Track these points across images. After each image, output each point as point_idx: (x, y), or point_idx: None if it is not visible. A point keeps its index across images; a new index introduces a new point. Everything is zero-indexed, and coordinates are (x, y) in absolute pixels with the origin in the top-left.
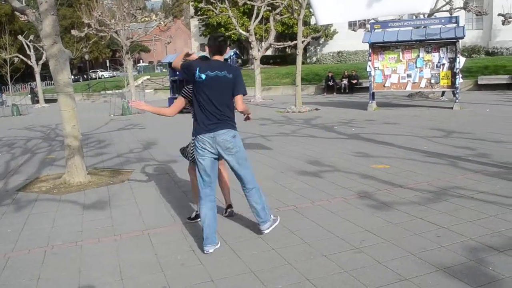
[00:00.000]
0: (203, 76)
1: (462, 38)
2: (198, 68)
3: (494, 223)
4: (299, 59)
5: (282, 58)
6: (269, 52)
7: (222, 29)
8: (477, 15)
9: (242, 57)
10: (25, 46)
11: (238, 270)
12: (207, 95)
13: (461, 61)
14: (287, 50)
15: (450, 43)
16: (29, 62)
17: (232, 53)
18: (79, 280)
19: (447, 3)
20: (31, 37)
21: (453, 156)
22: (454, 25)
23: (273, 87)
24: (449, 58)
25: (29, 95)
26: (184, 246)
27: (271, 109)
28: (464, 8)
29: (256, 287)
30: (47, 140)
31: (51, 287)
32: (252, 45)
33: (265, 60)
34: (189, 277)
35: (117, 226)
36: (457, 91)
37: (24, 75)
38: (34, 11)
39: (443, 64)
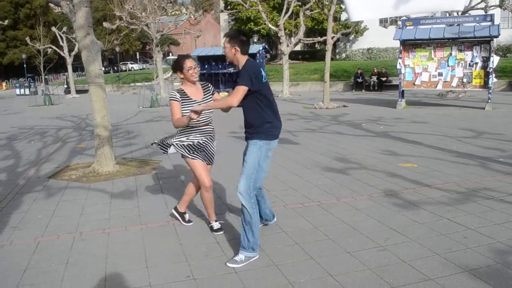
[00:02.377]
0: (265, 77)
1: (497, 37)
2: (261, 69)
3: None
4: (328, 55)
5: (311, 54)
6: (298, 48)
7: (252, 23)
8: None
9: (271, 52)
10: (58, 37)
11: (261, 263)
12: (269, 97)
13: (495, 60)
14: (316, 45)
15: (484, 42)
16: (61, 53)
17: (261, 48)
18: (106, 266)
19: (482, 1)
20: (64, 28)
21: (483, 157)
22: (489, 23)
23: (301, 82)
24: (482, 57)
25: (65, 86)
26: (209, 238)
27: (299, 104)
28: (500, 6)
29: (279, 280)
30: (78, 130)
31: (79, 272)
32: (281, 40)
33: (294, 56)
34: (212, 268)
35: (144, 216)
36: (490, 91)
37: (56, 65)
38: (68, 3)
39: (476, 63)
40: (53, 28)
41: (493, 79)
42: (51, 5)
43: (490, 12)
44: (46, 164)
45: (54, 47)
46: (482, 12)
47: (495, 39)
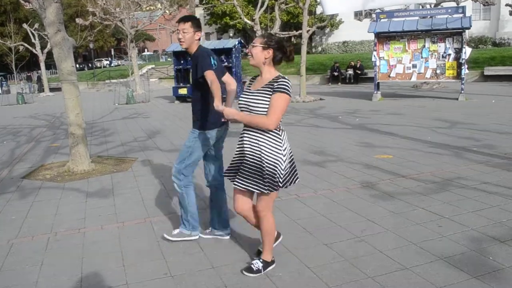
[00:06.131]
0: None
1: (468, 28)
2: (211, 56)
3: (496, 213)
4: (304, 48)
5: None
6: None
7: (227, 18)
8: (484, 5)
9: (247, 46)
10: (30, 34)
11: (238, 257)
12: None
13: (467, 51)
14: (292, 39)
15: (456, 34)
16: (34, 50)
17: (237, 42)
18: (82, 267)
19: None
20: (36, 25)
21: (457, 147)
22: (461, 15)
23: None
24: (455, 49)
25: (36, 84)
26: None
27: None
28: None
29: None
30: (52, 129)
31: (54, 273)
32: (257, 34)
33: None
34: (190, 264)
35: (120, 214)
36: (463, 82)
37: (29, 63)
38: None
39: (449, 55)
40: (25, 25)
41: (465, 70)
42: (22, 1)
43: (462, 4)
44: (19, 164)
45: (26, 44)
46: (454, 4)
47: (467, 31)
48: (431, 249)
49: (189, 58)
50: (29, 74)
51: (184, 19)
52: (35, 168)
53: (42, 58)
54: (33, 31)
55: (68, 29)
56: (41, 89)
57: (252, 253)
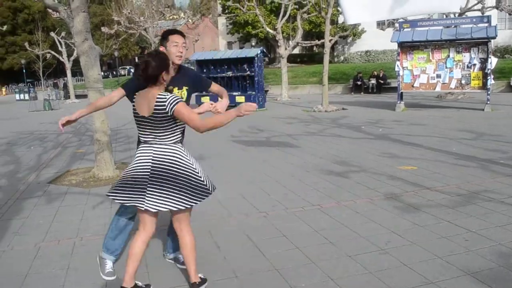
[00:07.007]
0: None
1: (494, 38)
2: None
3: None
4: (326, 58)
5: (310, 57)
6: (297, 51)
7: (250, 27)
8: (510, 14)
9: (269, 56)
10: (57, 42)
11: (262, 267)
12: None
13: (493, 61)
14: (314, 48)
15: (481, 43)
16: (60, 58)
17: (259, 51)
18: None
19: (478, 2)
20: (63, 33)
21: (483, 159)
22: (486, 24)
23: (300, 86)
24: (480, 59)
25: (62, 91)
26: (207, 242)
27: (298, 108)
28: (497, 7)
29: (280, 284)
30: (77, 135)
31: (80, 277)
32: (279, 44)
33: (292, 59)
34: (212, 273)
35: None
36: (489, 92)
37: (56, 71)
38: (66, 8)
39: (474, 65)
40: (52, 33)
41: (491, 81)
42: (49, 10)
43: (486, 13)
44: (46, 169)
45: (53, 52)
46: (479, 14)
47: (492, 40)
48: (457, 264)
49: (212, 67)
50: (55, 81)
51: (183, 35)
52: (61, 174)
53: (68, 65)
54: (60, 39)
55: (94, 37)
56: (67, 96)
57: (276, 264)
